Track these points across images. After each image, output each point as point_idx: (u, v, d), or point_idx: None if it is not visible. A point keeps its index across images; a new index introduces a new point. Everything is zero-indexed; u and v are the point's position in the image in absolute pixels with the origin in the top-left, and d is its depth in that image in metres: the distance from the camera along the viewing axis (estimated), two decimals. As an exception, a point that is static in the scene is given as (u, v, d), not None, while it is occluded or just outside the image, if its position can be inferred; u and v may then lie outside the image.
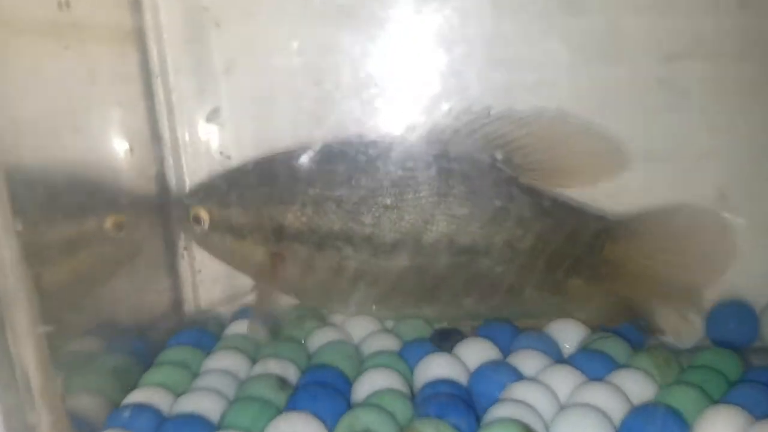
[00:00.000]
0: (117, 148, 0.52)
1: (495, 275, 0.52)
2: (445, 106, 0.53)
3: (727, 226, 0.51)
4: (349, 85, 0.56)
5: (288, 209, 0.53)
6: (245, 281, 0.60)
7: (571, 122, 0.53)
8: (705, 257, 0.51)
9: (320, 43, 0.56)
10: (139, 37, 0.57)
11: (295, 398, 0.45)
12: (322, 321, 0.58)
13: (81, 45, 0.49)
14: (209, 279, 0.62)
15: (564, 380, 0.47)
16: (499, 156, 0.52)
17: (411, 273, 0.52)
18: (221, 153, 0.59)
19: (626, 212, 0.54)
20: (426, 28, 0.55)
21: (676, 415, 0.42)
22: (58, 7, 0.47)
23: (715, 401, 0.44)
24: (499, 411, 0.43)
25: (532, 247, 0.51)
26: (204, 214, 0.55)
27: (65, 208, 0.47)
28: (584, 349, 0.52)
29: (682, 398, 0.44)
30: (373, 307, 0.56)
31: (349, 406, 0.46)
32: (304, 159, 0.54)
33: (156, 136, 0.56)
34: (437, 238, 0.51)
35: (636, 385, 0.46)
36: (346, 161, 0.53)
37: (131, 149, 0.52)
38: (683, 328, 0.54)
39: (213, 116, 0.58)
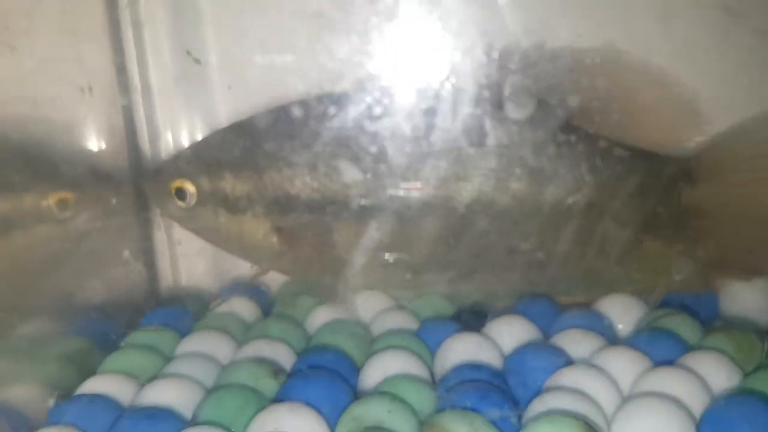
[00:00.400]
0: (70, 90, 0.42)
1: (548, 240, 0.42)
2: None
3: None
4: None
5: (295, 173, 0.44)
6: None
7: (638, 68, 0.43)
8: None
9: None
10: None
11: (288, 386, 0.36)
12: (325, 297, 0.49)
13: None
14: (192, 251, 0.53)
15: (625, 365, 0.38)
16: (552, 99, 0.43)
17: (445, 237, 0.42)
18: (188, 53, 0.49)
19: (702, 144, 0.43)
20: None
21: (763, 403, 0.33)
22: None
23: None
24: (547, 402, 0.34)
25: (591, 204, 0.41)
26: (189, 187, 0.46)
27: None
28: (645, 329, 0.42)
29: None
30: (406, 279, 0.46)
31: (355, 396, 0.37)
32: (307, 112, 0.44)
33: (122, 76, 0.46)
34: (471, 197, 0.42)
35: (714, 371, 0.37)
36: (359, 108, 0.44)
37: (89, 89, 0.42)
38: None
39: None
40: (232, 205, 0.46)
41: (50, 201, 0.42)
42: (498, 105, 0.42)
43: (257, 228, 0.46)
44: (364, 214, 0.44)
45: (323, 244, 0.45)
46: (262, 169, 0.45)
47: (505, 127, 0.42)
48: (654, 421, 0.33)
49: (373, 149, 0.43)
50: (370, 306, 0.48)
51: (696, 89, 0.42)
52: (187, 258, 0.54)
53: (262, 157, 0.45)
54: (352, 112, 0.43)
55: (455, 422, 0.32)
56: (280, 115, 0.46)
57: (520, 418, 0.34)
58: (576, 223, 0.42)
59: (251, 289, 0.50)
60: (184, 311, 0.47)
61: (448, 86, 0.44)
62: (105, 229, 0.47)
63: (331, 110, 0.43)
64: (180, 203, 0.46)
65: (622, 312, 0.45)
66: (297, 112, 0.45)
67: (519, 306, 0.46)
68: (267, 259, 0.48)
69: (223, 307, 0.45)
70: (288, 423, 0.33)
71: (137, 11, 0.47)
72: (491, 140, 0.42)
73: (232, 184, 0.46)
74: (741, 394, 0.34)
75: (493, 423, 0.33)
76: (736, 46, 0.47)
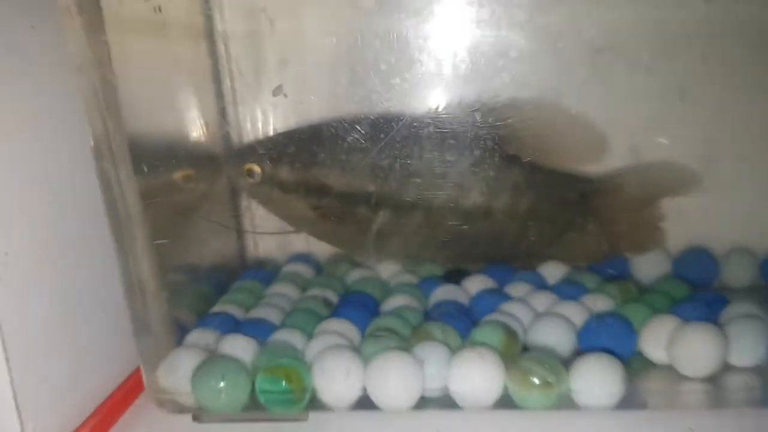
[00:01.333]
0: (196, 122, 0.67)
1: (499, 232, 0.65)
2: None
3: (687, 171, 0.64)
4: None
5: (329, 172, 0.65)
6: (295, 236, 0.75)
7: (563, 111, 0.65)
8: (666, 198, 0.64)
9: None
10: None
11: (335, 312, 0.60)
12: (357, 264, 0.72)
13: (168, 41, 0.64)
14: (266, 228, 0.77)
15: (543, 301, 0.60)
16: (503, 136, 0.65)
17: (428, 228, 0.64)
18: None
19: (606, 172, 0.66)
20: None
21: (624, 320, 0.55)
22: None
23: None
24: (488, 318, 0.56)
25: (530, 209, 0.65)
26: (257, 169, 0.66)
27: (164, 163, 0.61)
28: (565, 281, 0.65)
29: (633, 311, 0.57)
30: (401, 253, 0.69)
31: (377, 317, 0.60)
32: (341, 130, 0.65)
33: (223, 114, 0.71)
34: (447, 201, 0.64)
35: (599, 303, 0.59)
36: (375, 133, 0.65)
37: (206, 123, 0.68)
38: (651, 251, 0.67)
39: (277, 91, 0.70)
40: (284, 187, 0.66)
41: (179, 176, 0.63)
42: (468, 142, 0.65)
43: (300, 205, 0.66)
44: (375, 206, 0.64)
45: (344, 222, 0.66)
46: (306, 164, 0.65)
47: (474, 157, 0.64)
48: (552, 328, 0.55)
49: (383, 164, 0.65)
50: (387, 269, 0.71)
51: (603, 128, 0.65)
52: (263, 238, 0.78)
53: (307, 156, 0.65)
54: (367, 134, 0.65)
55: (433, 327, 0.55)
56: (322, 128, 0.66)
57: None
58: (521, 219, 0.65)
59: (308, 258, 0.74)
60: (266, 272, 0.71)
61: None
62: (214, 213, 0.70)
63: (355, 129, 0.65)
64: (250, 180, 0.67)
65: (554, 271, 0.67)
66: (332, 128, 0.65)
67: (487, 269, 0.69)
68: (304, 227, 0.69)
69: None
70: (335, 326, 0.56)
71: (231, 67, 0.71)
72: (465, 165, 0.65)
73: (285, 172, 0.65)
74: (606, 314, 0.57)
75: (457, 329, 0.56)
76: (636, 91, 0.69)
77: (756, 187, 0.71)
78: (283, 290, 0.65)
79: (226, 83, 0.73)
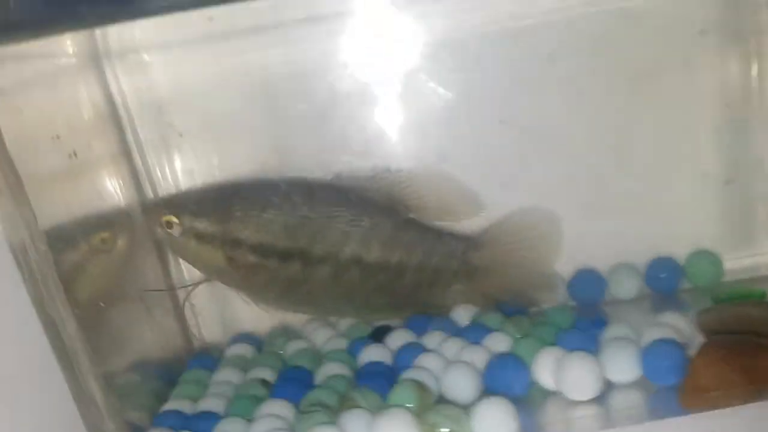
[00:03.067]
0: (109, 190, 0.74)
1: (395, 283, 0.74)
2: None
3: (555, 221, 0.73)
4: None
5: (243, 225, 0.72)
6: (238, 314, 0.83)
7: (442, 177, 0.75)
8: (543, 246, 0.73)
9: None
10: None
11: (274, 391, 0.67)
12: (294, 335, 0.80)
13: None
14: (209, 318, 0.84)
15: (452, 348, 0.68)
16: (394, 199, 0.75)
17: (331, 281, 0.73)
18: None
19: (484, 227, 0.76)
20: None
21: (518, 358, 0.64)
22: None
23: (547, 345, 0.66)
24: (404, 376, 0.65)
25: (420, 263, 0.74)
26: (175, 221, 0.72)
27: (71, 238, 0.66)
28: (472, 323, 0.74)
29: (525, 347, 0.66)
30: (304, 307, 0.77)
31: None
32: (257, 187, 0.75)
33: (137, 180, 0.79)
34: (351, 256, 0.73)
35: (499, 343, 0.68)
36: (286, 193, 0.74)
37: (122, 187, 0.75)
38: (545, 298, 0.76)
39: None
40: (201, 238, 0.72)
41: (96, 239, 0.69)
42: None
43: (215, 254, 0.73)
44: (285, 258, 0.73)
45: (256, 273, 0.73)
46: (223, 217, 0.72)
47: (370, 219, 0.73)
48: (458, 377, 0.64)
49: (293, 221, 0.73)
50: (320, 334, 0.79)
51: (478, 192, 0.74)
52: (205, 322, 0.85)
53: (224, 209, 0.73)
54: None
55: (356, 395, 0.63)
56: (244, 185, 0.76)
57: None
58: (410, 275, 0.74)
59: (249, 337, 0.82)
60: (211, 357, 0.79)
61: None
62: (154, 309, 0.77)
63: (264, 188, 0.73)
64: (168, 231, 0.72)
65: (464, 314, 0.76)
66: (253, 187, 0.74)
67: (408, 322, 0.77)
68: (217, 275, 0.76)
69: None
70: (272, 409, 0.64)
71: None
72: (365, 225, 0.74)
73: (203, 224, 0.72)
74: (502, 355, 0.66)
75: (378, 392, 0.64)
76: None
77: (629, 206, 0.81)
78: (226, 377, 0.72)
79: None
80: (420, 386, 0.62)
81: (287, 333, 0.81)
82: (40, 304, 0.57)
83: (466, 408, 0.59)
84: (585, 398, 0.60)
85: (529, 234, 0.73)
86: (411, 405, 0.60)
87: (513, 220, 0.74)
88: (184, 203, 0.74)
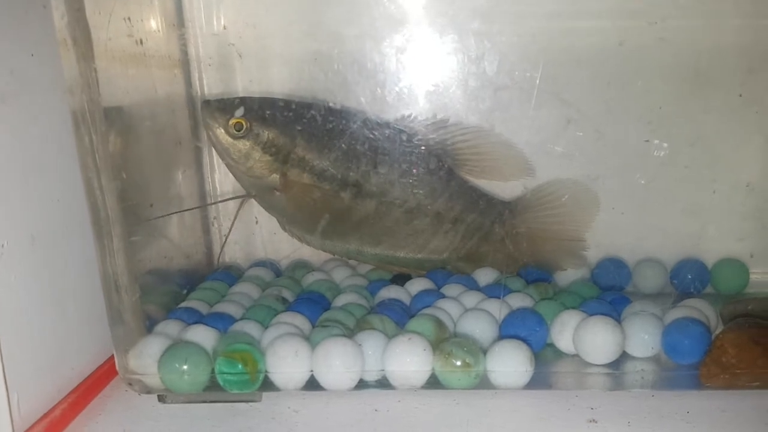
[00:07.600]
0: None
1: (429, 231, 0.75)
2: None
3: (591, 192, 0.74)
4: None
5: (308, 145, 0.71)
6: (259, 243, 0.84)
7: (494, 137, 0.75)
8: (577, 216, 0.74)
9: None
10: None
11: (291, 307, 0.68)
12: (314, 269, 0.80)
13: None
14: (231, 241, 0.85)
15: (472, 299, 0.68)
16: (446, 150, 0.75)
17: (372, 217, 0.73)
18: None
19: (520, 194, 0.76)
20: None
21: (538, 314, 0.64)
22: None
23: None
24: (422, 312, 0.65)
25: (457, 217, 0.74)
26: (245, 125, 0.69)
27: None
28: (493, 283, 0.74)
29: (546, 307, 0.66)
30: (343, 240, 0.77)
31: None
32: (322, 112, 0.72)
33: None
34: (395, 198, 0.73)
35: (519, 301, 0.68)
36: (347, 124, 0.72)
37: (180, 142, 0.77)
38: (572, 264, 0.77)
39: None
40: (263, 147, 0.70)
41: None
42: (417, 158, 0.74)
43: (272, 167, 0.71)
44: (337, 188, 0.72)
45: (303, 197, 0.72)
46: (292, 133, 0.70)
47: (421, 169, 0.74)
48: (476, 321, 0.64)
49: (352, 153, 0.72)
50: (339, 273, 0.79)
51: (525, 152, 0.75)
52: (228, 245, 0.86)
53: (293, 125, 0.71)
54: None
55: (373, 318, 0.63)
56: (313, 107, 0.72)
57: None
58: (446, 226, 0.75)
59: (270, 263, 0.82)
60: (230, 274, 0.79)
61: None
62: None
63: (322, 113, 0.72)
64: (235, 133, 0.69)
65: (484, 277, 0.76)
66: (314, 108, 0.72)
67: (428, 274, 0.78)
68: (262, 190, 0.73)
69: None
70: (288, 318, 0.64)
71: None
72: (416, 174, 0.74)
73: (272, 134, 0.70)
74: (522, 309, 0.66)
75: (394, 321, 0.64)
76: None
77: (664, 204, 0.81)
78: (244, 290, 0.73)
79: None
80: (437, 321, 0.62)
81: (307, 266, 0.81)
82: (86, 171, 0.58)
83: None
84: (602, 362, 0.60)
85: (566, 203, 0.73)
86: (427, 335, 0.60)
87: (551, 188, 0.74)
88: (256, 109, 0.71)
